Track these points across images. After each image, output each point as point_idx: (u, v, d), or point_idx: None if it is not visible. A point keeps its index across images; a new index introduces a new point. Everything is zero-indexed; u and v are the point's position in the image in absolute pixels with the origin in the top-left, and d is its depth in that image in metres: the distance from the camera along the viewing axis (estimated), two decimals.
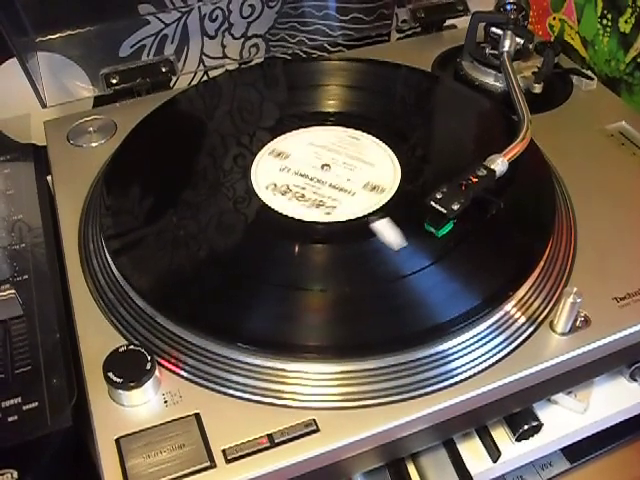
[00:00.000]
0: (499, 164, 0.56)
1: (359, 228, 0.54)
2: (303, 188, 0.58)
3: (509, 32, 0.70)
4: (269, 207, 0.56)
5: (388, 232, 0.52)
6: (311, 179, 0.59)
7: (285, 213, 0.55)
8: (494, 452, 0.50)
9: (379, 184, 0.59)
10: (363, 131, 0.64)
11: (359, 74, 0.73)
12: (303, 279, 0.51)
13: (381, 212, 0.56)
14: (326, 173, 0.60)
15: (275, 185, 0.58)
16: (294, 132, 0.64)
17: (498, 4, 0.74)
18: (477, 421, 0.50)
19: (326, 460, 0.43)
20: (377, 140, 0.64)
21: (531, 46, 0.71)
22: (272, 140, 0.63)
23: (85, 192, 0.60)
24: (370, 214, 0.56)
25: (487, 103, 0.69)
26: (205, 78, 0.86)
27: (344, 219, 0.55)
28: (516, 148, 0.58)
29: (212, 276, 0.51)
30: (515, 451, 0.51)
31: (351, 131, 0.65)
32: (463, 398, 0.45)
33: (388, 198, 0.57)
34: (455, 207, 0.52)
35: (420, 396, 0.45)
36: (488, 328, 0.48)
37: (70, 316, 0.51)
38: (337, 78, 0.72)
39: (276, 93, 0.72)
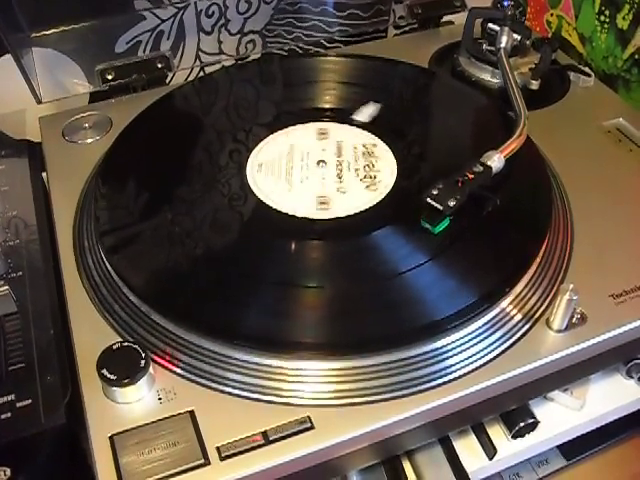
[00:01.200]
0: (495, 160, 0.56)
1: (355, 225, 0.54)
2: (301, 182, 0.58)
3: (506, 28, 0.70)
4: (265, 204, 0.56)
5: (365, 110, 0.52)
6: (308, 177, 0.59)
7: (296, 214, 0.55)
8: (490, 449, 0.50)
9: (375, 176, 0.59)
10: (357, 126, 0.64)
11: (356, 70, 0.73)
12: (299, 276, 0.50)
13: (380, 205, 0.56)
14: (322, 169, 0.60)
15: (260, 165, 0.58)
16: (281, 131, 0.64)
17: (495, 0, 0.74)
18: (473, 418, 0.50)
19: (321, 457, 0.43)
20: (360, 130, 0.64)
21: (528, 42, 0.71)
22: (261, 141, 0.63)
23: (80, 188, 0.60)
24: (369, 208, 0.56)
25: (484, 99, 0.68)
26: (201, 74, 0.85)
27: (346, 214, 0.55)
28: (513, 144, 0.58)
29: (207, 273, 0.51)
30: (511, 448, 0.51)
31: (334, 125, 0.65)
32: (459, 395, 0.45)
33: (389, 188, 0.58)
34: (451, 203, 0.52)
35: (416, 393, 0.45)
36: (484, 325, 0.48)
37: (64, 313, 0.51)
38: (334, 74, 0.72)
39: (273, 89, 0.72)
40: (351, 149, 0.62)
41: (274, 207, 0.56)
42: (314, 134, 0.64)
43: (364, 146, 0.62)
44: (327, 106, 0.68)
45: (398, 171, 0.59)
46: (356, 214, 0.55)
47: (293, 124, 0.65)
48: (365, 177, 0.59)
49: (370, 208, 0.55)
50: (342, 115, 0.66)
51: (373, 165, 0.60)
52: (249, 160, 0.60)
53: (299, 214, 0.55)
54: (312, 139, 0.63)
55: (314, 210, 0.55)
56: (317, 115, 0.66)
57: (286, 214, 0.55)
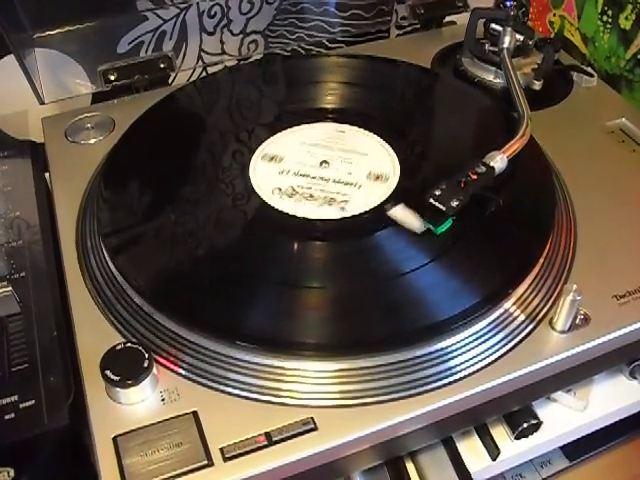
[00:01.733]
0: (498, 161, 0.55)
1: (358, 225, 0.54)
2: (309, 188, 0.58)
3: (509, 28, 0.70)
4: (267, 204, 0.56)
5: (407, 216, 0.52)
6: (313, 178, 0.59)
7: (296, 214, 0.55)
8: (493, 450, 0.50)
9: (381, 173, 0.59)
10: (360, 127, 0.64)
11: (358, 71, 0.73)
12: (301, 277, 0.50)
13: (392, 199, 0.56)
14: (326, 170, 0.60)
15: (280, 189, 0.57)
16: (283, 132, 0.64)
17: (498, 0, 0.74)
18: (476, 419, 0.50)
19: (324, 458, 0.43)
20: (363, 130, 0.64)
21: (531, 43, 0.71)
22: (263, 142, 0.63)
23: (83, 189, 0.60)
24: (383, 202, 0.56)
25: (487, 100, 0.68)
26: (204, 74, 0.85)
27: (359, 212, 0.55)
28: (515, 145, 0.57)
29: (210, 273, 0.51)
30: (514, 449, 0.51)
31: (336, 125, 0.65)
32: (462, 396, 0.45)
33: (394, 186, 0.58)
34: (454, 204, 0.52)
35: (419, 394, 0.45)
36: (487, 326, 0.48)
37: (67, 313, 0.51)
38: (336, 74, 0.72)
39: (275, 90, 0.72)
40: (347, 145, 0.62)
41: (276, 207, 0.56)
42: (327, 134, 0.64)
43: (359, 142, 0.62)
44: (329, 106, 0.68)
45: (400, 171, 0.59)
46: (359, 215, 0.55)
47: (295, 124, 0.65)
48: (369, 173, 0.59)
49: (373, 209, 0.55)
50: (344, 115, 0.66)
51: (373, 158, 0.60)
52: (252, 159, 0.60)
53: (318, 217, 0.55)
54: (307, 141, 0.63)
55: (332, 211, 0.56)
56: (320, 115, 0.66)
57: (287, 214, 0.55)
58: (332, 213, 0.55)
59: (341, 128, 0.64)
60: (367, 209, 0.55)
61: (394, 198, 0.56)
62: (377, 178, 0.58)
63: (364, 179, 0.58)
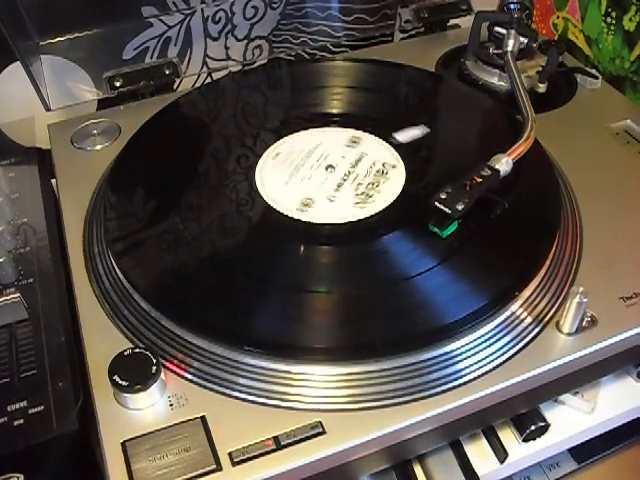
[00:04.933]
0: (503, 164, 0.56)
1: (364, 229, 0.54)
2: (315, 192, 0.58)
3: (513, 31, 0.70)
4: (274, 209, 0.56)
5: (409, 133, 0.52)
6: (319, 181, 0.59)
7: (300, 218, 0.55)
8: (501, 453, 0.49)
9: (386, 177, 0.59)
10: (365, 131, 0.64)
11: (363, 75, 0.73)
12: (308, 281, 0.51)
13: (398, 203, 0.57)
14: (331, 174, 0.60)
15: (287, 194, 0.58)
16: (288, 137, 0.64)
17: (502, 3, 0.74)
18: (484, 422, 0.50)
19: (332, 462, 0.43)
20: (368, 134, 0.64)
21: (535, 45, 0.71)
22: (269, 147, 0.63)
23: (89, 195, 0.60)
24: (388, 206, 0.56)
25: (491, 103, 0.68)
26: (209, 80, 0.86)
27: (365, 216, 0.55)
28: (520, 147, 0.58)
29: (217, 278, 0.51)
30: (522, 452, 0.51)
31: (341, 129, 0.65)
32: (470, 399, 0.45)
33: (400, 188, 0.58)
34: (459, 207, 0.52)
35: (427, 397, 0.45)
36: (494, 329, 0.48)
37: (75, 319, 0.51)
38: (341, 79, 0.72)
39: (280, 95, 0.72)
40: (368, 164, 0.61)
41: (283, 212, 0.56)
42: (346, 140, 0.64)
43: (383, 165, 0.61)
44: (335, 111, 0.68)
45: (407, 174, 0.59)
46: (365, 218, 0.55)
47: (300, 129, 0.65)
48: (361, 194, 0.58)
49: (379, 212, 0.56)
50: (349, 120, 0.66)
51: (377, 185, 0.59)
52: (258, 164, 0.61)
53: (278, 208, 0.56)
54: (341, 144, 0.63)
55: (293, 209, 0.56)
56: (325, 120, 0.66)
57: (292, 218, 0.55)
58: (338, 217, 0.55)
59: (346, 132, 0.65)
60: (373, 213, 0.55)
61: (400, 201, 0.57)
62: (362, 200, 0.58)
63: (350, 196, 0.58)
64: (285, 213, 0.56)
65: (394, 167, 0.61)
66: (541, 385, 0.47)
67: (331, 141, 0.64)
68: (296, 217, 0.55)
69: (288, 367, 0.45)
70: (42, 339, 0.50)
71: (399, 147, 0.62)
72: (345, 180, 0.59)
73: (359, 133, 0.65)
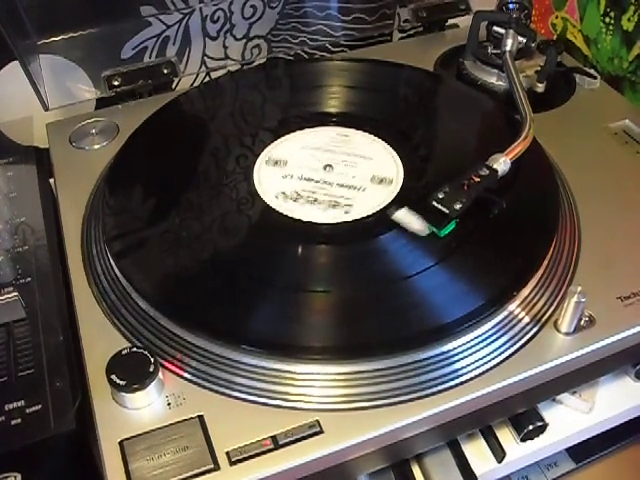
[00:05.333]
0: (501, 163, 0.56)
1: (362, 229, 0.54)
2: (313, 192, 0.58)
3: (511, 31, 0.70)
4: (272, 208, 0.56)
5: (411, 220, 0.52)
6: (317, 182, 0.59)
7: (301, 218, 0.55)
8: (499, 452, 0.49)
9: (385, 176, 0.59)
10: (363, 131, 0.64)
11: (361, 74, 0.73)
12: (306, 280, 0.50)
13: (396, 203, 0.56)
14: (330, 174, 0.60)
15: (284, 193, 0.57)
16: (287, 136, 0.64)
17: (500, 3, 0.74)
18: (482, 422, 0.50)
19: (330, 461, 0.43)
20: (366, 134, 0.64)
21: (534, 45, 0.71)
22: (267, 147, 0.63)
23: (88, 194, 0.60)
24: (387, 206, 0.56)
25: (489, 102, 0.68)
26: (207, 79, 0.86)
27: (363, 215, 0.55)
28: (518, 147, 0.58)
29: (215, 278, 0.51)
30: (520, 451, 0.51)
31: (339, 129, 0.65)
32: (467, 399, 0.45)
33: (398, 189, 0.58)
34: (457, 207, 0.52)
35: (424, 397, 0.45)
36: (492, 328, 0.48)
37: (73, 318, 0.51)
38: (339, 78, 0.72)
39: (278, 94, 0.72)
40: (350, 149, 0.62)
41: (281, 212, 0.56)
42: (330, 138, 0.64)
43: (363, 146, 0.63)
44: (333, 110, 0.68)
45: (405, 174, 0.59)
46: (363, 218, 0.55)
47: (299, 128, 0.65)
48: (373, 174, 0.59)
49: (377, 212, 0.56)
50: (347, 119, 0.66)
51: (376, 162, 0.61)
52: (256, 164, 0.61)
53: (322, 220, 0.55)
54: (310, 145, 0.63)
55: (336, 213, 0.56)
56: (323, 120, 0.66)
57: (292, 218, 0.55)
58: (337, 217, 0.55)
59: (344, 132, 0.65)
60: (371, 212, 0.56)
61: (398, 201, 0.57)
62: (381, 181, 0.58)
63: (368, 182, 0.58)
64: (284, 213, 0.56)
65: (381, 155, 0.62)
66: (539, 385, 0.47)
67: (324, 140, 0.64)
68: (296, 218, 0.55)
69: (286, 366, 0.45)
70: (40, 338, 0.50)
71: (399, 148, 0.62)
72: (348, 172, 0.60)
73: (351, 131, 0.65)
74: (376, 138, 0.64)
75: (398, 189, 0.58)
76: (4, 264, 0.54)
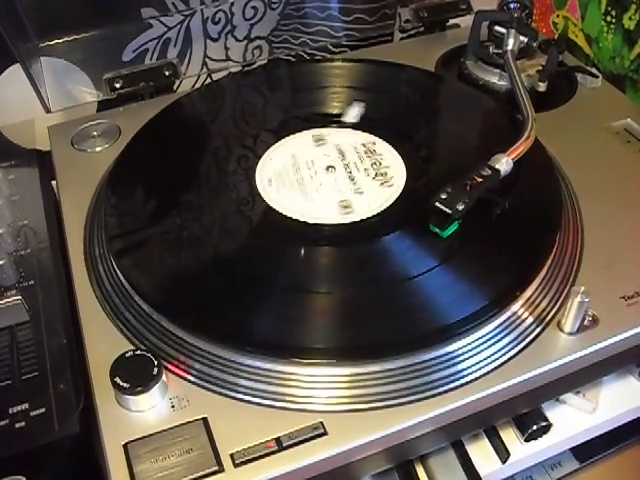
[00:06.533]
0: (504, 163, 0.56)
1: (365, 230, 0.54)
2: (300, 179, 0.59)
3: (513, 30, 0.70)
4: (274, 209, 0.56)
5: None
6: (318, 180, 0.59)
7: (303, 219, 0.55)
8: (503, 453, 0.49)
9: (388, 176, 0.59)
10: (365, 131, 0.64)
11: (363, 75, 0.73)
12: (310, 282, 0.51)
13: (399, 203, 0.57)
14: (332, 174, 0.60)
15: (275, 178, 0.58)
16: (289, 137, 0.64)
17: (501, 2, 0.74)
18: (486, 422, 0.50)
19: (334, 463, 0.43)
20: (369, 135, 0.64)
21: (535, 44, 0.71)
22: (269, 148, 0.63)
23: (90, 197, 0.60)
24: (389, 207, 0.56)
25: (491, 102, 0.68)
26: (208, 81, 0.86)
27: (366, 216, 0.55)
28: (521, 147, 0.57)
29: (218, 280, 0.51)
30: (524, 451, 0.51)
31: (376, 139, 0.64)
32: (471, 399, 0.45)
33: (401, 188, 0.58)
34: (460, 207, 0.52)
35: (428, 398, 0.45)
36: (496, 329, 0.48)
37: (76, 321, 0.51)
38: (341, 79, 0.72)
39: (280, 95, 0.72)
40: (352, 150, 0.62)
41: (285, 213, 0.56)
42: (311, 141, 0.64)
43: (364, 145, 0.62)
44: (336, 111, 0.68)
45: (407, 175, 0.59)
46: (366, 219, 0.55)
47: (301, 129, 0.65)
48: (377, 175, 0.59)
49: (380, 213, 0.56)
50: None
51: (380, 163, 0.60)
52: (258, 166, 0.61)
53: (325, 221, 0.55)
54: (311, 146, 0.63)
55: (339, 215, 0.56)
56: (324, 120, 0.66)
57: (297, 220, 0.55)
58: (339, 217, 0.55)
59: (346, 132, 0.64)
60: (374, 213, 0.55)
61: (401, 201, 0.57)
62: (383, 179, 0.58)
63: (370, 181, 0.58)
64: (286, 214, 0.56)
65: (374, 143, 0.62)
66: (543, 385, 0.47)
67: (301, 146, 0.64)
68: (300, 219, 0.55)
69: (290, 368, 0.45)
70: (43, 341, 0.50)
71: (400, 146, 0.62)
72: (351, 172, 0.60)
73: (353, 131, 0.65)
74: (378, 138, 0.63)
75: (401, 189, 0.58)
76: (7, 267, 0.54)
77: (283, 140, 0.64)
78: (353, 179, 0.59)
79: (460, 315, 0.47)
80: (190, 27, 0.80)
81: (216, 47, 0.83)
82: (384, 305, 0.49)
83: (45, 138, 0.69)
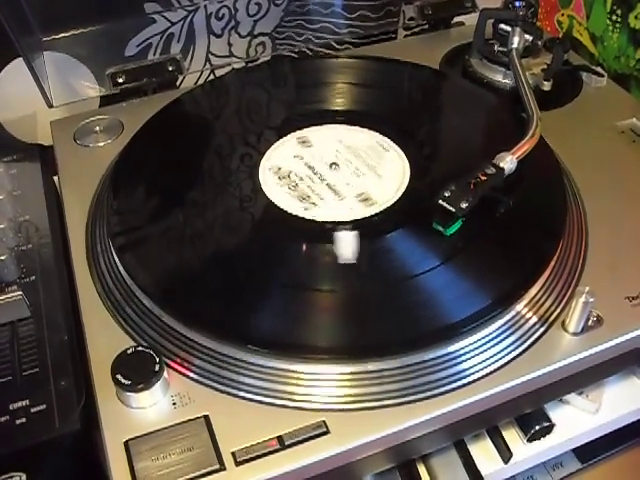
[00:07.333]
0: (508, 162, 0.55)
1: (368, 228, 0.54)
2: (301, 179, 0.58)
3: (518, 29, 0.69)
4: (277, 206, 0.56)
5: (347, 244, 0.52)
6: (315, 173, 0.59)
7: (308, 217, 0.55)
8: (505, 453, 0.49)
9: (373, 198, 0.57)
10: (369, 129, 0.64)
11: (366, 72, 0.73)
12: (313, 279, 0.50)
13: (403, 200, 0.56)
14: (332, 172, 0.59)
15: (279, 168, 0.58)
16: (292, 134, 0.64)
17: (507, 1, 0.74)
18: (488, 422, 0.50)
19: (336, 462, 0.42)
20: (373, 132, 0.64)
21: (540, 43, 0.71)
22: (273, 144, 0.63)
23: (92, 192, 0.60)
24: (394, 203, 0.56)
25: (496, 100, 0.68)
26: (212, 77, 0.85)
27: (319, 220, 0.55)
28: (525, 146, 0.57)
29: (220, 276, 0.50)
30: (526, 452, 0.51)
31: (345, 127, 0.64)
32: (474, 399, 0.45)
33: (405, 186, 0.58)
34: (464, 205, 0.52)
35: (431, 397, 0.44)
36: (499, 328, 0.47)
37: (78, 317, 0.51)
38: (344, 76, 0.72)
39: (283, 91, 0.72)
40: (357, 148, 0.62)
41: (288, 210, 0.55)
42: (336, 136, 0.64)
43: (368, 143, 0.62)
44: (339, 108, 0.68)
45: (411, 173, 0.59)
46: (369, 217, 0.55)
47: (304, 126, 0.64)
48: (380, 172, 0.59)
49: (383, 211, 0.55)
50: (352, 117, 0.66)
51: (384, 160, 0.60)
52: (261, 162, 0.60)
53: (283, 206, 0.55)
54: (314, 142, 0.63)
55: (297, 207, 0.56)
56: (329, 117, 0.66)
57: (296, 216, 0.55)
58: (294, 208, 0.55)
59: (350, 129, 0.64)
60: (377, 211, 0.55)
61: (404, 199, 0.56)
62: (364, 200, 0.57)
63: (352, 196, 0.57)
64: (289, 211, 0.55)
65: (378, 142, 0.63)
66: (546, 385, 0.47)
67: (330, 138, 0.63)
68: (300, 215, 0.55)
69: (292, 366, 0.45)
70: (44, 337, 0.49)
71: (404, 144, 0.62)
72: (355, 169, 0.60)
73: (357, 128, 0.64)
74: (382, 136, 0.63)
75: (405, 187, 0.57)
76: (8, 262, 0.53)
77: (286, 137, 0.63)
78: (357, 176, 0.59)
79: (464, 314, 0.47)
80: (194, 23, 0.80)
81: (219, 43, 0.83)
82: (388, 303, 0.48)
83: (47, 133, 0.69)
